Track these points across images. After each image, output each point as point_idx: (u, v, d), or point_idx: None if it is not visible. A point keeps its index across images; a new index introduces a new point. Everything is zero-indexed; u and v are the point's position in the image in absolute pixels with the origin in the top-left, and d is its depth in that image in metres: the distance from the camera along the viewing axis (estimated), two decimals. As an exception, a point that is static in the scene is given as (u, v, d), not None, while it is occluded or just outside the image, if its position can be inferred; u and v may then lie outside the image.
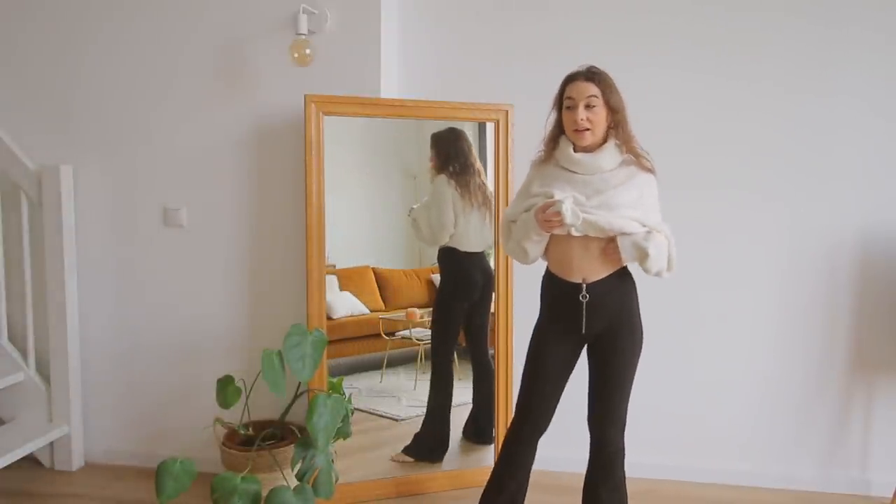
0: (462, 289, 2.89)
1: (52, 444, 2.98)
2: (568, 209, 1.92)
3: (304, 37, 2.66)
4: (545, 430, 2.16)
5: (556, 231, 1.98)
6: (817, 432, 2.88)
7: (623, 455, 2.15)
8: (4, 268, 2.97)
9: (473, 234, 2.85)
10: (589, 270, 2.02)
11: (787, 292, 2.85)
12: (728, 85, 2.80)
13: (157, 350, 3.00)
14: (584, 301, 2.02)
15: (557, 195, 1.98)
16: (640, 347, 2.14)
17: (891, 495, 2.72)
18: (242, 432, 2.44)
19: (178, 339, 2.98)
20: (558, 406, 2.16)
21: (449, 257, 2.86)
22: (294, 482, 2.21)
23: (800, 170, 2.80)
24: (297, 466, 2.25)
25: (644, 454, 2.93)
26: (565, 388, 2.16)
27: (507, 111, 2.79)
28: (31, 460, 3.00)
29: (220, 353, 2.93)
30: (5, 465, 2.67)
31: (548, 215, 1.95)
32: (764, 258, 2.85)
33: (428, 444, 2.87)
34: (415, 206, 2.85)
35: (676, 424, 2.94)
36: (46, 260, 2.92)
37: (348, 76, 2.75)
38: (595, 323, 2.05)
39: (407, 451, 2.86)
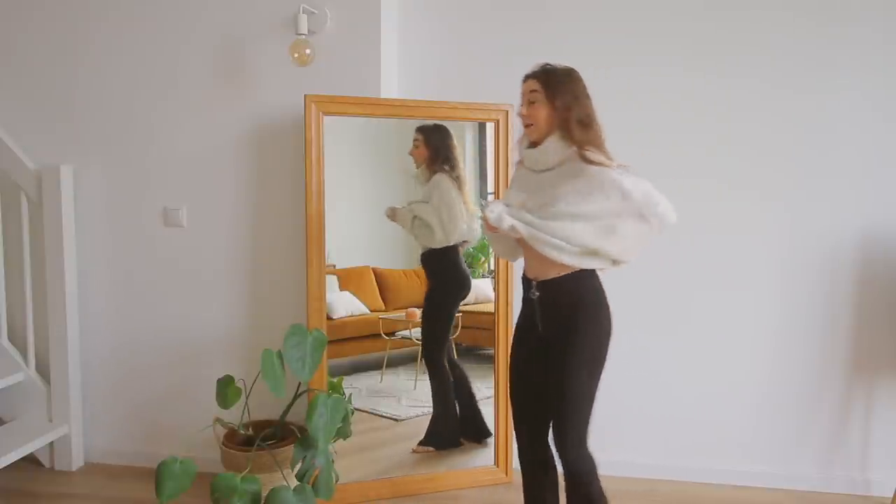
0: (458, 286, 2.89)
1: (52, 444, 2.98)
2: (493, 212, 1.94)
3: (304, 37, 2.66)
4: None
5: (499, 233, 1.98)
6: (817, 432, 2.88)
7: (586, 474, 1.96)
8: (4, 268, 2.97)
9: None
10: (539, 269, 2.01)
11: (788, 292, 2.85)
12: (727, 84, 2.80)
13: (157, 350, 3.00)
14: (535, 297, 2.02)
15: (512, 197, 2.01)
16: (598, 356, 1.98)
17: (891, 495, 2.72)
18: (242, 432, 2.44)
19: (178, 340, 2.98)
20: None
21: (443, 255, 2.84)
22: (294, 482, 2.21)
23: (800, 169, 2.79)
24: (297, 466, 2.25)
25: (645, 454, 2.94)
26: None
27: (507, 111, 2.79)
28: (31, 460, 3.00)
29: (220, 353, 2.93)
30: (5, 465, 2.67)
31: (483, 218, 1.99)
32: (764, 258, 2.85)
33: (443, 433, 2.86)
34: (417, 213, 2.82)
35: (676, 424, 2.93)
36: (46, 260, 2.92)
37: (348, 76, 2.75)
38: (549, 322, 2.02)
39: (426, 442, 2.85)
